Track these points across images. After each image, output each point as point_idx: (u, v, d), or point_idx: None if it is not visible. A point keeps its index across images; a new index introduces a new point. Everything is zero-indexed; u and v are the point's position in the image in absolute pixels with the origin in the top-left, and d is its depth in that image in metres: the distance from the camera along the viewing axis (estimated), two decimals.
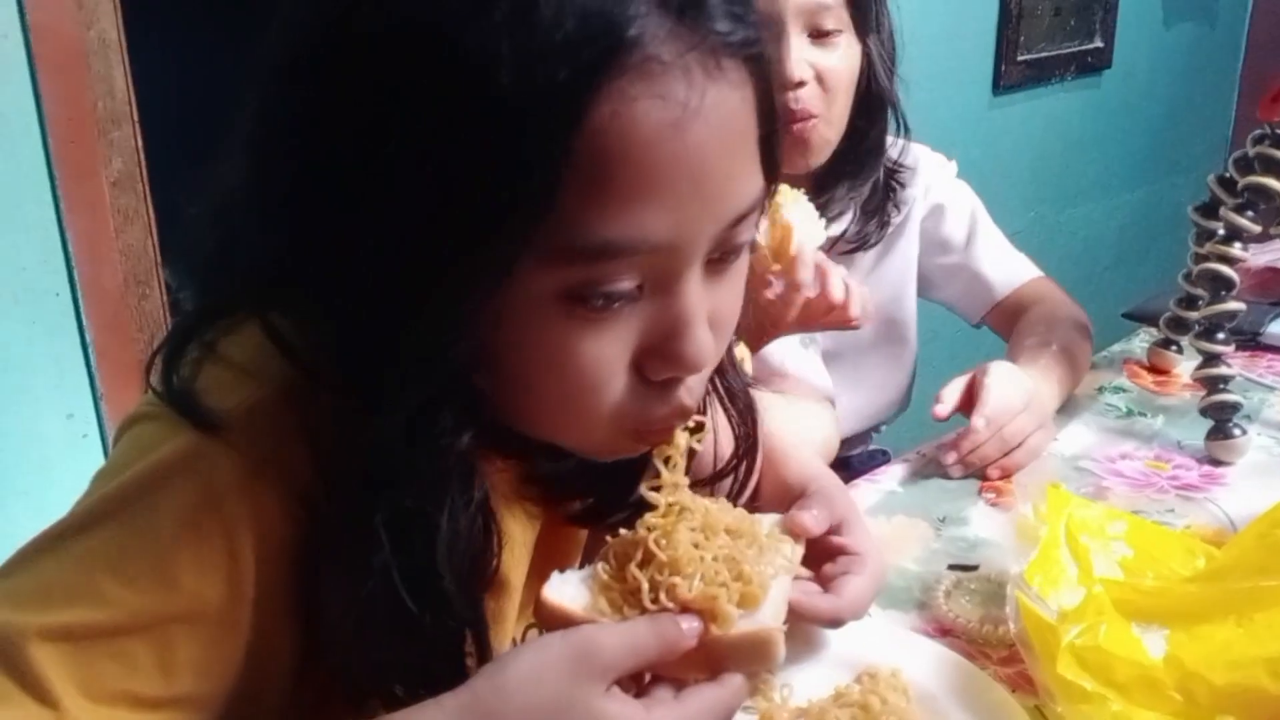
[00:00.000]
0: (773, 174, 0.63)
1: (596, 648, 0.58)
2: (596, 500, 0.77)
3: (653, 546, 0.64)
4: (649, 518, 0.66)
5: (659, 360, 0.60)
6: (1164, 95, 3.31)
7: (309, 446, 0.60)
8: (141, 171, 1.62)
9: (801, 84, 1.21)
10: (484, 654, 0.67)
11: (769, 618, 0.63)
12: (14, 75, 1.46)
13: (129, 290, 1.64)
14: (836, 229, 1.34)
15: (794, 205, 1.13)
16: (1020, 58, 2.77)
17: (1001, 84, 2.75)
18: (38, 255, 1.54)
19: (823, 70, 1.22)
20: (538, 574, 0.79)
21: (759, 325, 1.13)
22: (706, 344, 0.60)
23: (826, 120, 1.25)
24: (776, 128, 0.62)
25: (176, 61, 1.99)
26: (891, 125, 1.34)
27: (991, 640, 0.87)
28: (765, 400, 1.06)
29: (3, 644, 0.57)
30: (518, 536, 0.76)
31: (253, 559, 0.60)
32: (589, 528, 0.81)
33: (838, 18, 1.22)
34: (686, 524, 0.66)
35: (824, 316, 1.13)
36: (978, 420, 1.12)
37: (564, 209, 0.54)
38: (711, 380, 0.74)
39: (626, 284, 0.57)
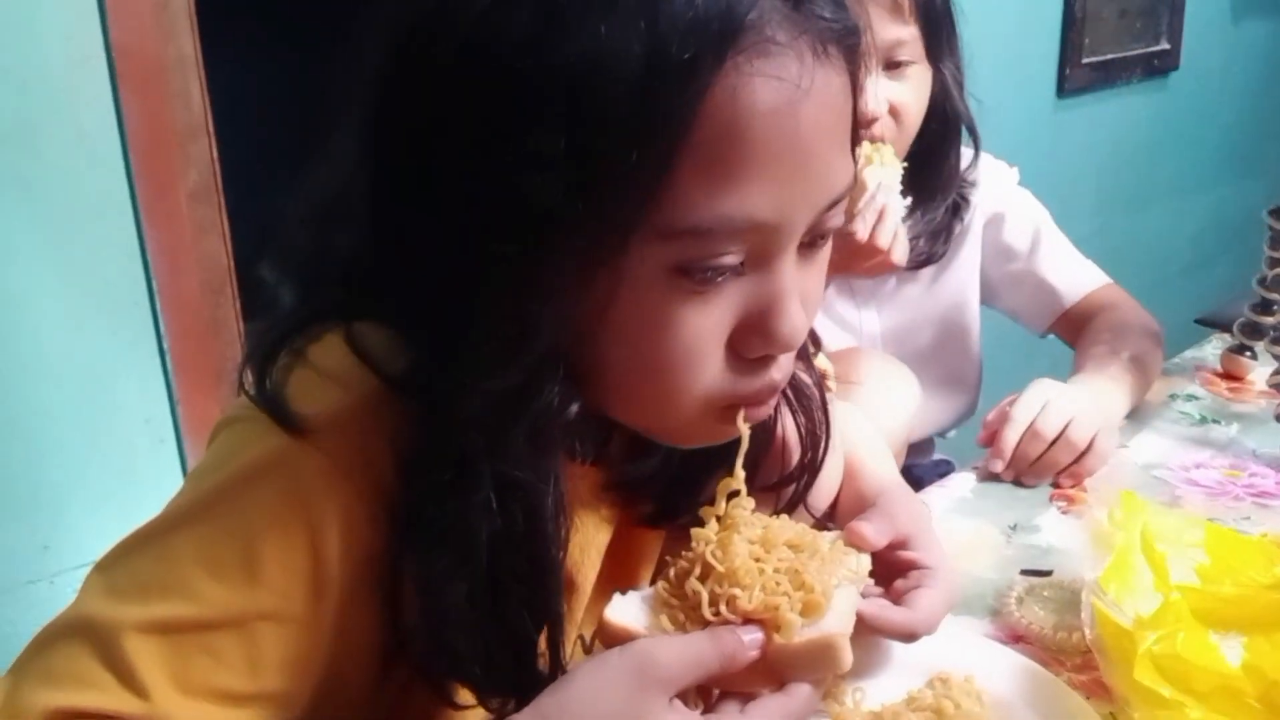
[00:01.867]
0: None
1: (655, 661, 0.59)
2: (669, 501, 0.78)
3: (710, 559, 0.64)
4: (702, 530, 0.67)
5: (755, 337, 0.62)
6: (1234, 97, 3.25)
7: (393, 452, 0.61)
8: (217, 183, 1.66)
9: (875, 119, 1.22)
10: (556, 651, 0.68)
11: (833, 625, 0.63)
12: (98, 92, 1.50)
13: (205, 299, 1.68)
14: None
15: (881, 159, 1.16)
16: (1085, 61, 2.73)
17: (1066, 88, 2.71)
18: (118, 266, 1.58)
19: (896, 104, 1.23)
20: (607, 579, 0.80)
21: None
22: (801, 322, 0.62)
23: (898, 148, 1.25)
24: (858, 123, 0.65)
25: (250, 77, 2.04)
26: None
27: (1065, 647, 0.86)
28: (855, 389, 1.07)
29: (101, 635, 0.59)
30: (593, 540, 0.77)
31: (337, 558, 0.62)
32: (661, 528, 0.82)
33: (912, 50, 1.22)
34: (745, 537, 0.66)
35: (867, 260, 1.17)
36: (1011, 428, 1.13)
37: (681, 185, 0.56)
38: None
39: (731, 259, 0.59)
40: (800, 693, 0.63)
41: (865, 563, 0.72)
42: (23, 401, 1.52)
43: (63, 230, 1.52)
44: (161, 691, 0.59)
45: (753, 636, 0.62)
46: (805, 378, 0.78)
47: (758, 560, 0.65)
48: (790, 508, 0.81)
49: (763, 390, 0.65)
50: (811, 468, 0.80)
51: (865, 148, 1.17)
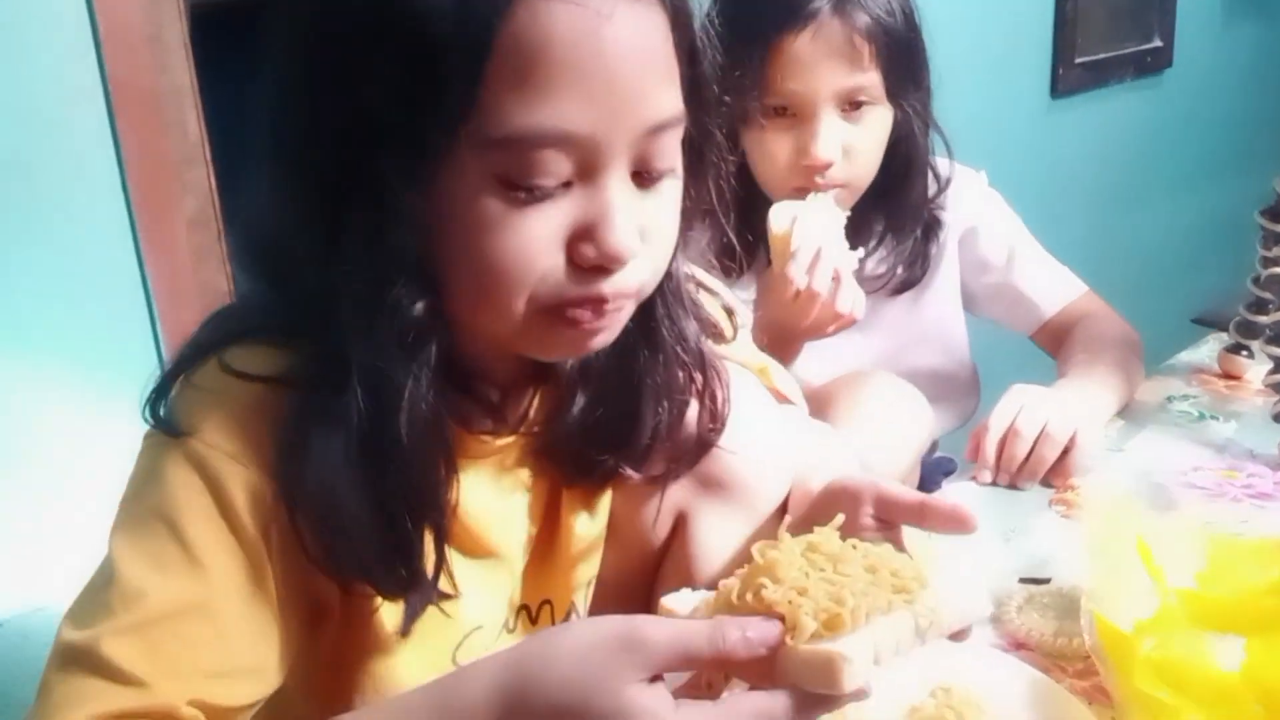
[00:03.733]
0: (703, 110, 0.73)
1: (645, 637, 0.59)
2: (581, 460, 0.82)
3: (755, 553, 0.65)
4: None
5: (586, 245, 0.67)
6: (1228, 93, 3.25)
7: (277, 440, 0.68)
8: (215, 211, 1.67)
9: (829, 164, 1.22)
10: (440, 552, 0.74)
11: (845, 645, 0.61)
12: (95, 124, 1.51)
13: None
14: (873, 268, 1.35)
15: (823, 214, 1.17)
16: (1078, 60, 2.73)
17: (1059, 88, 2.72)
18: (120, 295, 1.59)
19: (850, 146, 1.23)
20: (540, 552, 0.85)
21: (786, 331, 1.18)
22: (627, 236, 0.67)
23: (852, 189, 1.27)
24: (701, 70, 0.71)
25: (250, 104, 2.05)
26: (940, 145, 1.35)
27: (1066, 653, 0.87)
28: (862, 420, 1.08)
29: (81, 653, 0.64)
30: (514, 505, 0.82)
31: (255, 531, 0.68)
32: (576, 486, 0.85)
33: (871, 93, 1.23)
34: (818, 550, 0.66)
35: (832, 324, 1.18)
36: (989, 435, 1.15)
37: (492, 97, 0.63)
38: (670, 344, 0.79)
39: (555, 172, 0.65)
40: (780, 697, 0.61)
41: (945, 612, 0.65)
42: (25, 433, 1.52)
43: (64, 261, 1.53)
44: (155, 678, 0.63)
45: (760, 632, 0.60)
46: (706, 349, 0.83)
47: (821, 570, 0.64)
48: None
49: (589, 296, 0.69)
50: (715, 416, 0.83)
51: (797, 203, 1.20)
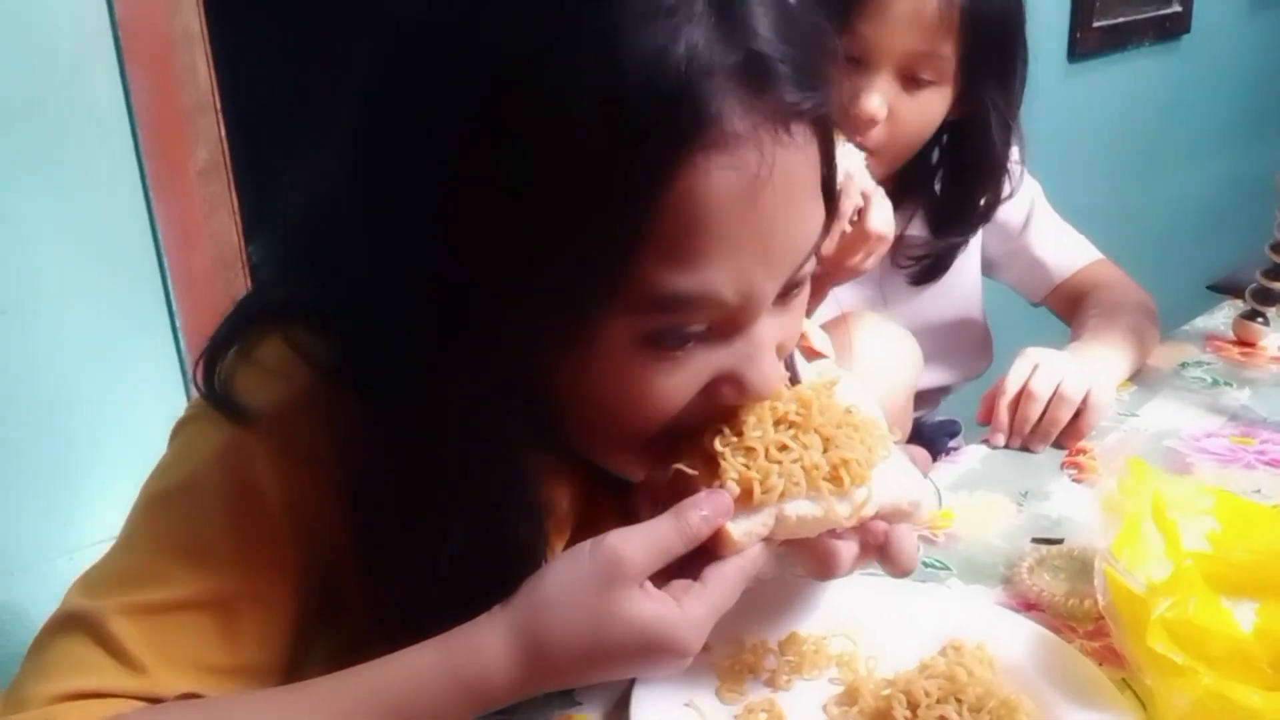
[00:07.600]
0: (831, 205, 0.68)
1: (623, 559, 0.62)
2: None
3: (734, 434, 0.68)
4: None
5: (731, 388, 0.66)
6: (1246, 60, 3.22)
7: (337, 441, 0.65)
8: (225, 159, 1.66)
9: (874, 123, 1.20)
10: None
11: (738, 525, 0.65)
12: (106, 69, 1.50)
13: (216, 274, 1.68)
14: (908, 251, 1.35)
15: (844, 160, 1.15)
16: (1096, 24, 2.70)
17: (1077, 51, 2.69)
18: (130, 242, 1.59)
19: (897, 112, 1.21)
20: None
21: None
22: (774, 375, 0.66)
23: (882, 158, 1.24)
24: (835, 165, 0.67)
25: (257, 52, 2.03)
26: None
27: (1077, 614, 0.86)
28: (848, 359, 1.10)
29: (89, 623, 0.63)
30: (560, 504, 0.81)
31: (291, 539, 0.66)
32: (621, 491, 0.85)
33: (937, 70, 1.20)
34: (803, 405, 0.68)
35: (861, 249, 1.16)
36: (1003, 397, 1.14)
37: (643, 266, 0.59)
38: None
39: (698, 327, 0.63)
40: (748, 552, 0.66)
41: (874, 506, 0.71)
42: (37, 377, 1.52)
43: (74, 207, 1.52)
44: (155, 666, 0.63)
45: (714, 507, 0.64)
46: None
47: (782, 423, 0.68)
48: None
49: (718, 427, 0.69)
50: None
51: None
